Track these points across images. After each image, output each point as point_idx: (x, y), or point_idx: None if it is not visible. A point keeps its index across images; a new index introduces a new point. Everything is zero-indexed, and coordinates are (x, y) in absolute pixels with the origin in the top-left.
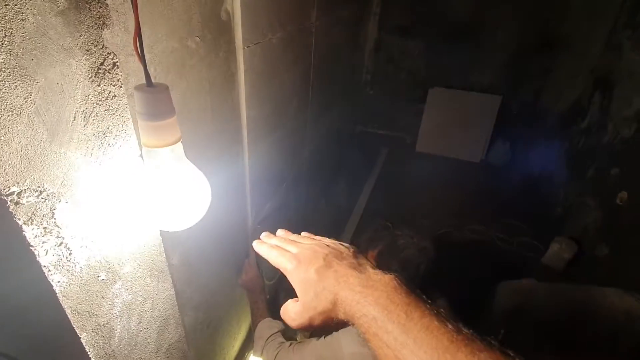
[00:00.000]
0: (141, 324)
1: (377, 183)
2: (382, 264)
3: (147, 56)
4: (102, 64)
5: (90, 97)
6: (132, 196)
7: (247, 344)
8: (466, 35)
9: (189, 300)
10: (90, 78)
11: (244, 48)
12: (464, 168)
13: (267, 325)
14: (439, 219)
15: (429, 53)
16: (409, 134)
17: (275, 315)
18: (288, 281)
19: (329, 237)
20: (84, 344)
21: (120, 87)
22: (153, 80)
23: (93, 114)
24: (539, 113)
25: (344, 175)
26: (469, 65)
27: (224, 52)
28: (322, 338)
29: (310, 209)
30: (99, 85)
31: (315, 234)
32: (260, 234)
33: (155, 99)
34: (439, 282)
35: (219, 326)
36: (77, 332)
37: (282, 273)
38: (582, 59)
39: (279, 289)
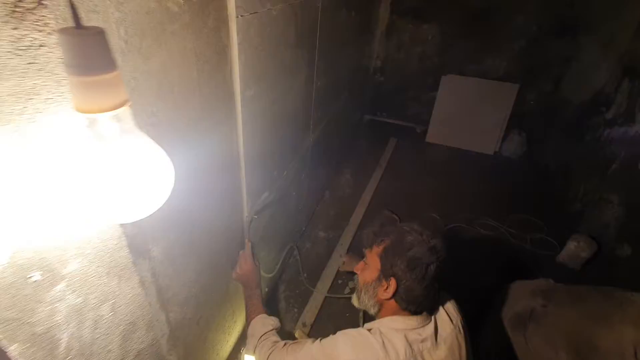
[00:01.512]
0: (98, 330)
1: (384, 174)
2: (387, 262)
3: (115, 14)
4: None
5: (2, 44)
6: (72, 178)
7: (243, 339)
8: (482, 20)
9: (175, 296)
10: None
11: (237, 17)
12: (477, 160)
13: (260, 323)
14: (448, 212)
15: (443, 38)
16: (420, 124)
17: (271, 311)
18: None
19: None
20: (14, 357)
21: (50, 34)
22: (124, 45)
23: (8, 67)
24: (558, 103)
25: (350, 166)
26: (485, 52)
27: (214, 21)
28: (318, 340)
29: (313, 200)
30: (15, 29)
31: (319, 225)
32: (257, 225)
33: (85, 45)
34: (446, 279)
35: (210, 322)
36: (4, 344)
37: None
38: (608, 46)
39: (278, 281)
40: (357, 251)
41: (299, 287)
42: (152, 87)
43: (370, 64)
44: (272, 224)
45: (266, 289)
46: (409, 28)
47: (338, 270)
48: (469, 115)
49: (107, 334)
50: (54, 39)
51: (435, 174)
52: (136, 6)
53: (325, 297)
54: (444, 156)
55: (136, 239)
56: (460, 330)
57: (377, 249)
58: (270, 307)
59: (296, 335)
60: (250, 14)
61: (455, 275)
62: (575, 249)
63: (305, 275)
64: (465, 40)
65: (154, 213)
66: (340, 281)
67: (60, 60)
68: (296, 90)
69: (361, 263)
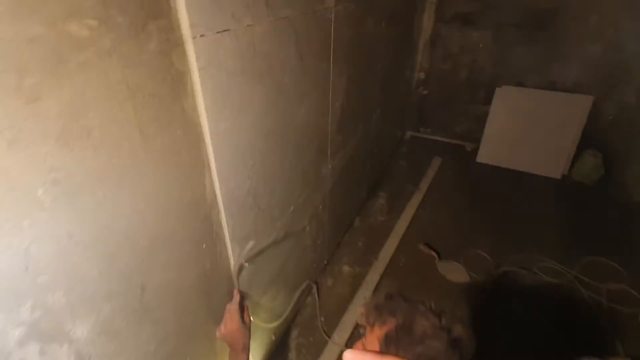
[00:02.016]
0: None
1: (425, 200)
2: (387, 352)
3: None
4: None
5: None
6: None
7: None
8: (546, 23)
9: None
10: None
11: (195, 37)
12: (540, 185)
13: None
14: (501, 251)
15: (497, 46)
16: (470, 141)
17: None
18: None
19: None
20: None
21: None
22: None
23: None
24: None
25: (386, 189)
26: (549, 60)
27: (160, 44)
28: None
29: (337, 230)
30: None
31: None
32: (247, 275)
33: None
34: (490, 349)
35: None
36: None
37: None
38: None
39: (291, 324)
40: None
41: (314, 334)
42: (49, 134)
43: (412, 77)
44: (277, 264)
45: (272, 337)
46: (457, 36)
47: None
48: (529, 132)
49: None
50: None
51: (487, 201)
52: (8, 33)
53: (342, 350)
54: (498, 179)
55: (40, 324)
56: None
57: (379, 331)
58: (279, 356)
59: None
60: (218, 32)
61: (504, 343)
62: None
63: (322, 319)
64: (524, 46)
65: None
66: (362, 331)
67: None
68: (303, 115)
69: (359, 344)
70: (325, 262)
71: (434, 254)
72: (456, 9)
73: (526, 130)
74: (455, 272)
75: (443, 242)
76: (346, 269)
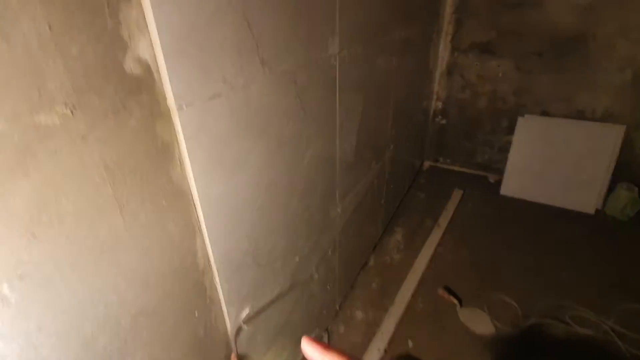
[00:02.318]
0: None
1: (445, 236)
2: None
3: None
4: None
5: None
6: None
7: None
8: (570, 50)
9: None
10: None
11: (181, 108)
12: (571, 221)
13: None
14: (528, 296)
15: (518, 74)
16: (492, 172)
17: None
18: None
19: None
20: None
21: None
22: None
23: None
24: None
25: (403, 224)
26: (576, 88)
27: (142, 119)
28: None
29: (350, 272)
30: None
31: (357, 302)
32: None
33: None
34: None
35: None
36: None
37: None
38: None
39: None
40: (400, 348)
41: None
42: (13, 231)
43: (429, 106)
44: (281, 318)
45: None
46: (475, 65)
47: None
48: (557, 163)
49: None
50: None
51: (513, 239)
52: None
53: None
54: (524, 214)
55: None
56: None
57: None
58: None
59: None
60: (207, 100)
61: None
62: None
63: None
64: (548, 75)
65: None
66: None
67: None
68: (308, 162)
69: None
70: (337, 306)
71: (454, 300)
72: (472, 38)
73: (553, 162)
74: (479, 322)
75: (465, 285)
76: (359, 314)
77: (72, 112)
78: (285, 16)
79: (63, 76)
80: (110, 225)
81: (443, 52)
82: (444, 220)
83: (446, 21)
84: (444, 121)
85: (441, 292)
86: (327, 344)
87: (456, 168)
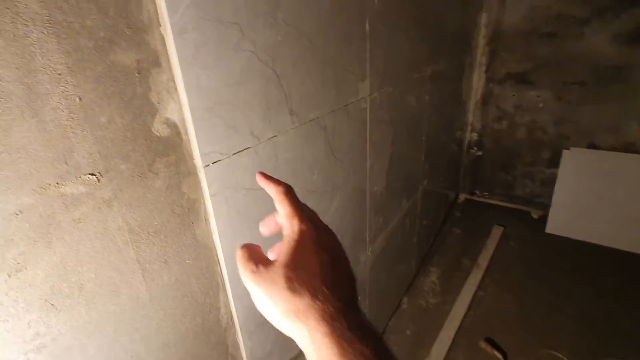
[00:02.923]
0: None
1: (485, 279)
2: None
3: None
4: None
5: None
6: None
7: None
8: (615, 78)
9: None
10: None
11: (207, 166)
12: (625, 263)
13: None
14: (582, 352)
15: (559, 105)
16: (536, 207)
17: None
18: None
19: None
20: None
21: None
22: None
23: None
24: None
25: (438, 264)
26: (625, 119)
27: (167, 179)
28: None
29: (384, 313)
30: None
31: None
32: None
33: None
34: None
35: None
36: None
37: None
38: None
39: None
40: None
41: None
42: (33, 302)
43: (463, 137)
44: None
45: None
46: (511, 96)
47: None
48: (607, 199)
49: None
50: None
51: (562, 283)
52: None
53: None
54: (573, 255)
55: None
56: None
57: None
58: None
59: None
60: (234, 154)
61: None
62: None
63: None
64: (593, 105)
65: None
66: None
67: None
68: (336, 208)
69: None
70: None
71: (498, 355)
72: (508, 69)
73: (603, 198)
74: None
75: (509, 336)
76: None
77: (98, 179)
78: (315, 65)
79: (91, 145)
80: (132, 289)
81: (477, 83)
82: (483, 260)
83: (479, 53)
84: (479, 152)
85: (483, 344)
86: (270, 176)
87: (494, 202)
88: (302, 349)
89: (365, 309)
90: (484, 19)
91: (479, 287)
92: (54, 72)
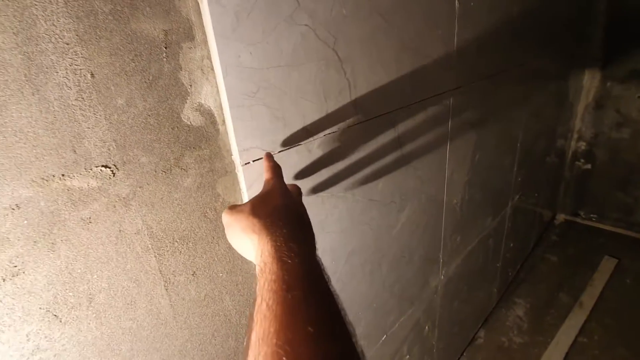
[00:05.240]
0: None
1: (590, 321)
2: None
3: None
4: None
5: None
6: None
7: None
8: None
9: None
10: None
11: (247, 164)
12: None
13: None
14: None
15: None
16: None
17: None
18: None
19: None
20: None
21: None
22: None
23: None
24: None
25: (527, 295)
26: None
27: (199, 177)
28: None
29: (455, 346)
30: None
31: None
32: None
33: None
34: None
35: None
36: None
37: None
38: None
39: None
40: None
41: None
42: (33, 311)
43: (566, 147)
44: None
45: None
46: (637, 98)
47: None
48: None
49: None
50: None
51: None
52: None
53: None
54: None
55: None
56: None
57: None
58: None
59: None
60: (279, 151)
61: None
62: None
63: None
64: None
65: None
66: None
67: None
68: (404, 223)
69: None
70: None
71: None
72: (634, 65)
73: None
74: None
75: None
76: None
77: (113, 173)
78: (388, 48)
79: (104, 131)
80: (152, 303)
81: (589, 82)
82: (588, 299)
83: (594, 45)
84: (587, 166)
85: None
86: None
87: (606, 227)
88: (251, 259)
89: (433, 339)
90: (602, 2)
91: (581, 332)
92: (60, 40)
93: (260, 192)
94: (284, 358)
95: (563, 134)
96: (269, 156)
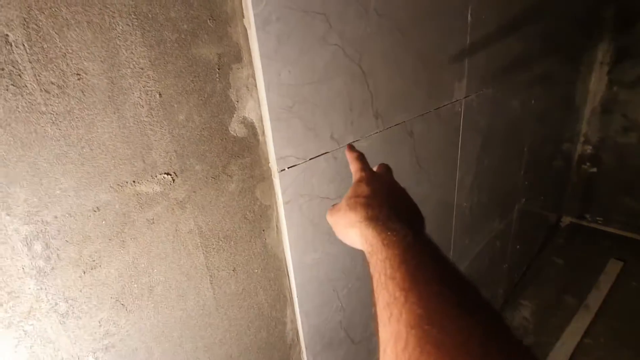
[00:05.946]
0: None
1: (596, 323)
2: None
3: (24, 229)
4: None
5: None
6: None
7: None
8: None
9: None
10: None
11: (282, 170)
12: None
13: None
14: None
15: None
16: None
17: None
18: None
19: None
20: None
21: None
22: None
23: None
24: None
25: (532, 297)
26: None
27: (241, 182)
28: None
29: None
30: None
31: None
32: None
33: None
34: None
35: None
36: None
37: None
38: None
39: None
40: None
41: None
42: (105, 300)
43: (572, 150)
44: None
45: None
46: None
47: None
48: None
49: None
50: None
51: None
52: (72, 207)
53: None
54: None
55: None
56: None
57: None
58: None
59: None
60: (310, 159)
61: None
62: None
63: None
64: None
65: None
66: None
67: None
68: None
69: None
70: None
71: None
72: None
73: None
74: None
75: None
76: None
77: (173, 179)
78: (406, 61)
79: (168, 143)
80: (199, 295)
81: (596, 86)
82: (594, 301)
83: (602, 50)
84: (593, 169)
85: None
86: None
87: (612, 230)
88: (361, 247)
89: None
90: (610, 7)
91: (587, 333)
92: (136, 65)
93: (352, 185)
94: (418, 310)
95: (569, 138)
96: (351, 147)
